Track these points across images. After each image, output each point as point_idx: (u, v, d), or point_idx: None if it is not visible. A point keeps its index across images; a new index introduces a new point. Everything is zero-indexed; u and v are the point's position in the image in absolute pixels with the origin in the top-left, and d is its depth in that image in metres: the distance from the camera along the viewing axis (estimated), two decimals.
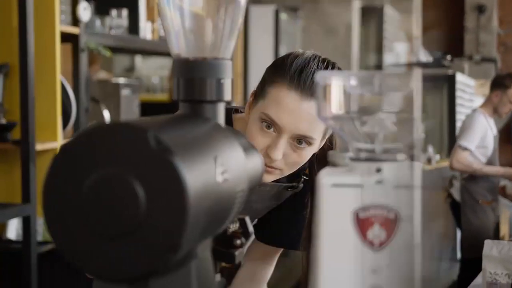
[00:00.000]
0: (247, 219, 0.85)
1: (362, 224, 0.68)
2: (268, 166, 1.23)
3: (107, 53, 2.80)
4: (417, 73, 0.67)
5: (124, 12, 3.08)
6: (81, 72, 2.71)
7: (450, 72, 6.67)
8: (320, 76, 0.72)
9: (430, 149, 6.32)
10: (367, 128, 0.72)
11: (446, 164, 6.58)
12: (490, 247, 1.87)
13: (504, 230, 4.90)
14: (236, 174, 0.75)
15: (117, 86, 3.12)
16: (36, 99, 2.46)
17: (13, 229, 2.64)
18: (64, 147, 0.64)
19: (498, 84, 4.32)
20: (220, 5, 0.84)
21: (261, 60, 4.48)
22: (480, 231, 4.19)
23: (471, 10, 9.22)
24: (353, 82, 0.72)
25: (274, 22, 4.89)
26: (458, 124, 7.09)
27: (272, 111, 1.20)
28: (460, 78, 6.89)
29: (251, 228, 0.84)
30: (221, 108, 0.82)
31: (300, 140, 1.22)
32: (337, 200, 0.69)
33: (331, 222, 0.69)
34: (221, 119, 0.82)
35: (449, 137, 7.01)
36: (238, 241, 0.81)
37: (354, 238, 0.68)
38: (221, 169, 0.71)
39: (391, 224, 0.68)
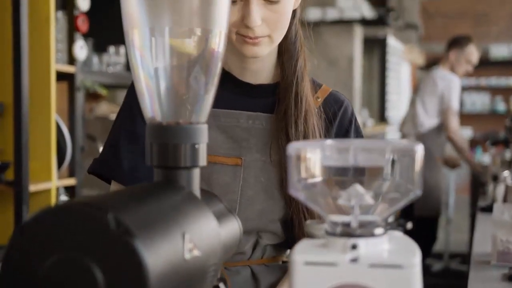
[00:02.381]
0: (222, 286, 0.82)
1: None
2: (253, 37, 1.15)
3: (103, 92, 2.79)
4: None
5: (122, 49, 3.07)
6: (76, 111, 2.70)
7: (381, 35, 6.74)
8: (292, 147, 0.69)
9: (365, 113, 6.35)
10: (342, 200, 0.69)
11: (382, 129, 6.65)
12: (500, 211, 1.69)
13: None
14: (208, 247, 0.72)
15: None
16: (30, 139, 2.44)
17: None
18: (22, 228, 0.62)
19: (455, 43, 4.48)
20: (195, 69, 0.81)
21: None
22: (433, 191, 4.21)
23: None
24: (326, 153, 0.69)
25: None
26: (388, 89, 7.20)
27: None
28: (391, 41, 6.96)
29: None
30: (196, 174, 0.80)
31: None
32: (310, 279, 0.66)
33: None
34: (195, 185, 0.80)
35: (379, 101, 7.09)
36: None
37: None
38: (190, 246, 0.68)
39: None
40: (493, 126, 9.82)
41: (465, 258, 5.13)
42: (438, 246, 5.95)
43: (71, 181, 2.75)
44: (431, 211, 4.30)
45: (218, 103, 1.21)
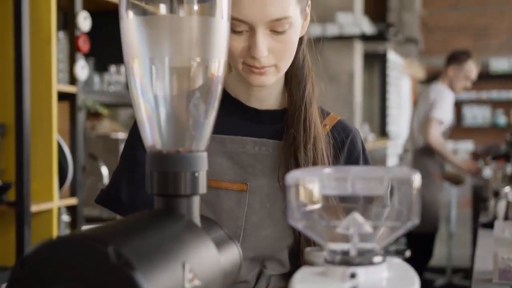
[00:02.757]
0: None
1: None
2: (260, 67, 1.14)
3: (104, 111, 2.80)
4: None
5: (123, 68, 3.09)
6: (78, 131, 2.71)
7: (381, 50, 6.76)
8: (291, 176, 0.70)
9: (366, 128, 6.36)
10: (341, 229, 0.70)
11: (383, 144, 6.67)
12: (501, 229, 1.69)
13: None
14: (208, 276, 0.73)
15: (116, 142, 3.12)
16: (32, 159, 2.45)
17: None
18: (22, 260, 0.62)
19: (454, 58, 4.45)
20: (194, 97, 0.82)
21: None
22: (430, 207, 4.19)
23: None
24: (325, 181, 0.70)
25: None
26: (389, 104, 7.23)
27: (233, 11, 1.07)
28: (391, 56, 6.99)
29: None
30: (196, 202, 0.80)
31: (277, 25, 1.12)
32: None
33: None
34: (195, 212, 0.80)
35: (380, 116, 7.11)
36: None
37: None
38: (190, 276, 0.68)
39: None
40: (494, 139, 9.83)
41: (467, 273, 5.11)
42: (440, 261, 5.94)
43: (72, 201, 2.75)
44: (428, 227, 4.29)
45: (225, 129, 1.22)
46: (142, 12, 0.78)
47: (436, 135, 4.25)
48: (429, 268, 5.95)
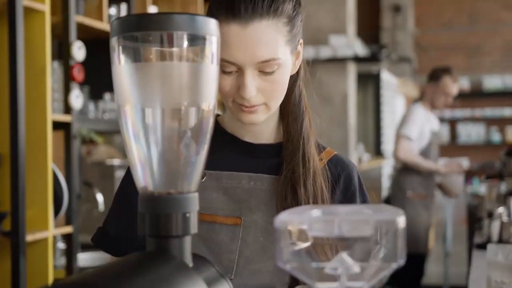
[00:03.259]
0: None
1: None
2: (249, 106, 1.15)
3: (99, 140, 2.82)
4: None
5: None
6: (73, 159, 2.72)
7: (375, 70, 6.80)
8: (279, 219, 0.71)
9: (360, 148, 6.37)
10: (329, 269, 0.72)
11: (378, 163, 6.68)
12: (494, 252, 1.70)
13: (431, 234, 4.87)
14: None
15: (112, 168, 3.13)
16: (27, 189, 2.46)
17: None
18: None
19: (432, 76, 4.48)
20: (185, 140, 0.84)
21: None
22: (410, 227, 4.14)
23: (387, 9, 9.42)
24: (312, 224, 0.72)
25: None
26: (383, 123, 7.26)
27: (222, 53, 1.09)
28: (384, 76, 7.03)
29: None
30: (187, 242, 0.82)
31: (266, 66, 1.12)
32: None
33: None
34: (187, 252, 0.82)
35: (375, 135, 7.13)
36: None
37: None
38: None
39: None
40: (489, 156, 9.86)
41: None
42: (437, 279, 5.93)
43: (68, 229, 2.76)
44: (413, 248, 4.28)
45: (221, 164, 1.23)
46: (133, 59, 0.81)
47: (404, 149, 4.28)
48: (425, 286, 5.95)
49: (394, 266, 0.70)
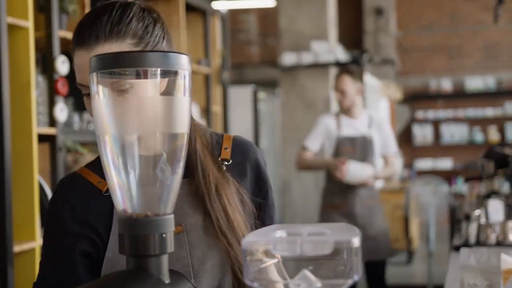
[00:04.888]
0: None
1: None
2: None
3: (84, 151, 2.88)
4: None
5: None
6: (58, 170, 2.78)
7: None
8: (246, 241, 0.78)
9: None
10: (293, 285, 0.79)
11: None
12: (467, 256, 1.74)
13: None
14: None
15: None
16: (13, 201, 2.52)
17: None
18: None
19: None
20: (160, 165, 0.91)
21: None
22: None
23: (369, 13, 9.55)
24: (276, 245, 0.79)
25: (253, 101, 5.02)
26: None
27: (78, 78, 1.23)
28: (367, 79, 7.13)
29: None
30: (164, 260, 0.88)
31: (118, 85, 1.08)
32: None
33: None
34: (164, 269, 0.88)
35: None
36: None
37: None
38: None
39: None
40: (472, 156, 10.00)
41: None
42: (421, 279, 6.02)
43: None
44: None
45: None
46: (111, 93, 0.87)
47: (301, 158, 4.17)
48: (409, 286, 6.04)
49: (350, 281, 0.78)
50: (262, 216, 1.37)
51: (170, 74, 0.88)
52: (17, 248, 2.51)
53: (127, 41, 1.21)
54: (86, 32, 1.21)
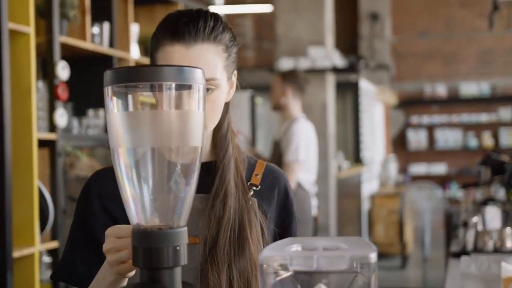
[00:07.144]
0: None
1: None
2: None
3: (83, 156, 2.88)
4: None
5: (101, 112, 3.17)
6: (58, 176, 2.78)
7: (353, 79, 6.90)
8: (263, 257, 0.79)
9: (340, 156, 6.46)
10: None
11: (357, 170, 6.76)
12: (468, 264, 1.75)
13: None
14: None
15: None
16: (13, 206, 2.51)
17: None
18: None
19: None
20: (174, 179, 0.91)
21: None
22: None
23: (365, 18, 9.58)
24: (293, 260, 0.79)
25: (250, 107, 5.03)
26: (362, 131, 7.36)
27: None
28: (363, 84, 7.15)
29: None
30: (178, 272, 0.89)
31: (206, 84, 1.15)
32: None
33: None
34: (177, 281, 0.89)
35: (354, 143, 7.25)
36: None
37: None
38: None
39: None
40: (466, 161, 10.02)
41: None
42: (416, 284, 6.03)
43: (53, 244, 2.81)
44: None
45: None
46: (125, 107, 0.88)
47: (292, 177, 3.96)
48: None
49: None
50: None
51: (184, 87, 0.89)
52: (16, 253, 2.51)
53: (220, 47, 1.23)
54: (185, 29, 1.20)
